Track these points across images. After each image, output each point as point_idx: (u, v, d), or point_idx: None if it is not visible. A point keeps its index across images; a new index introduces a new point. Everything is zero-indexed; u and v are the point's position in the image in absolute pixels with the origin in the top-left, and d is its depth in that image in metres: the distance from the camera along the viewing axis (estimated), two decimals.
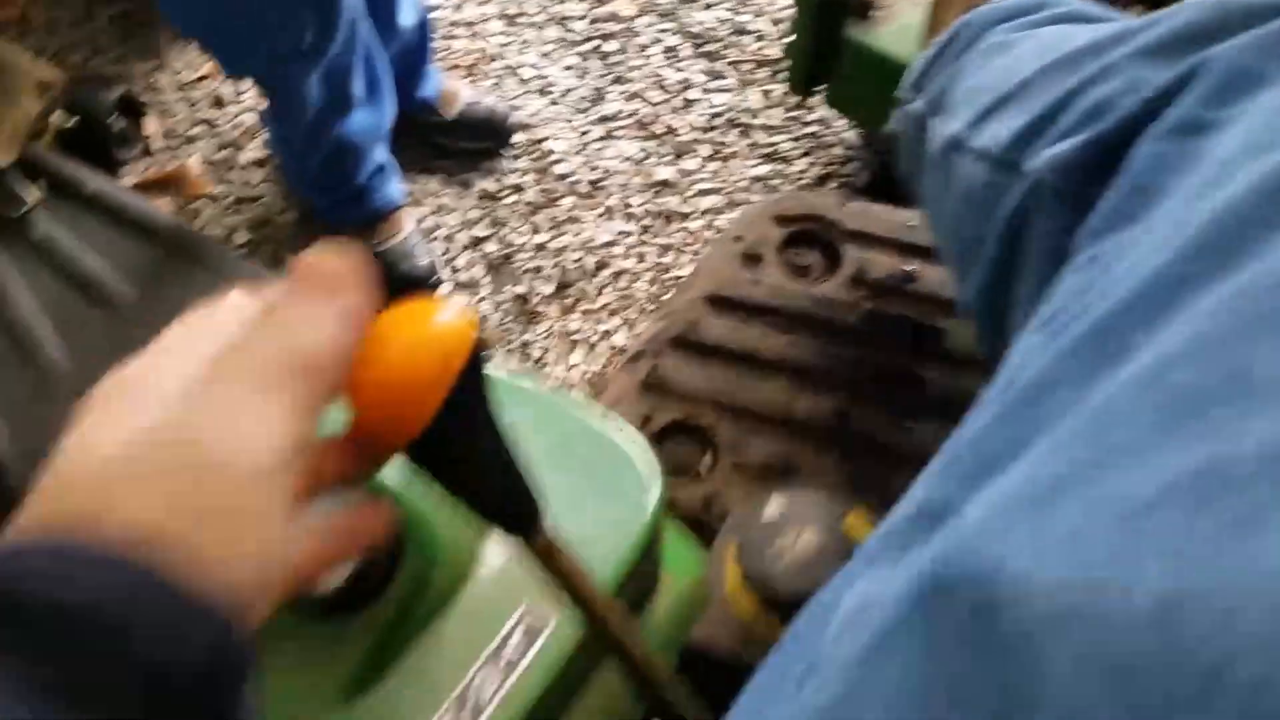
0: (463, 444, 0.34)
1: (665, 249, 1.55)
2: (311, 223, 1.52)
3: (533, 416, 0.60)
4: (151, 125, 1.57)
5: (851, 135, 1.64)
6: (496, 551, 0.54)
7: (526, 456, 0.38)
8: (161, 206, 1.40)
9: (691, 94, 1.70)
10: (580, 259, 1.53)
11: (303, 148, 1.34)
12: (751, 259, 0.99)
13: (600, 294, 1.51)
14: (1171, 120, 0.38)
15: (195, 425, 0.27)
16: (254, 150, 1.60)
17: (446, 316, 0.33)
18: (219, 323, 0.31)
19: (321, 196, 1.42)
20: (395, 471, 0.39)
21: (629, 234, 1.56)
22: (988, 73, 0.59)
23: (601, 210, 1.58)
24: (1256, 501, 0.22)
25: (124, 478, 0.26)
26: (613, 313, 1.50)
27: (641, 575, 0.60)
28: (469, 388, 0.33)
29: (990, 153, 0.52)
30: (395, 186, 1.45)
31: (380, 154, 1.40)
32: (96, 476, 0.26)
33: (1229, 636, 0.20)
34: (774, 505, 0.66)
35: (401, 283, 1.46)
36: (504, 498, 0.37)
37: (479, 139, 1.62)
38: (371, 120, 1.35)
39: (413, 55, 1.50)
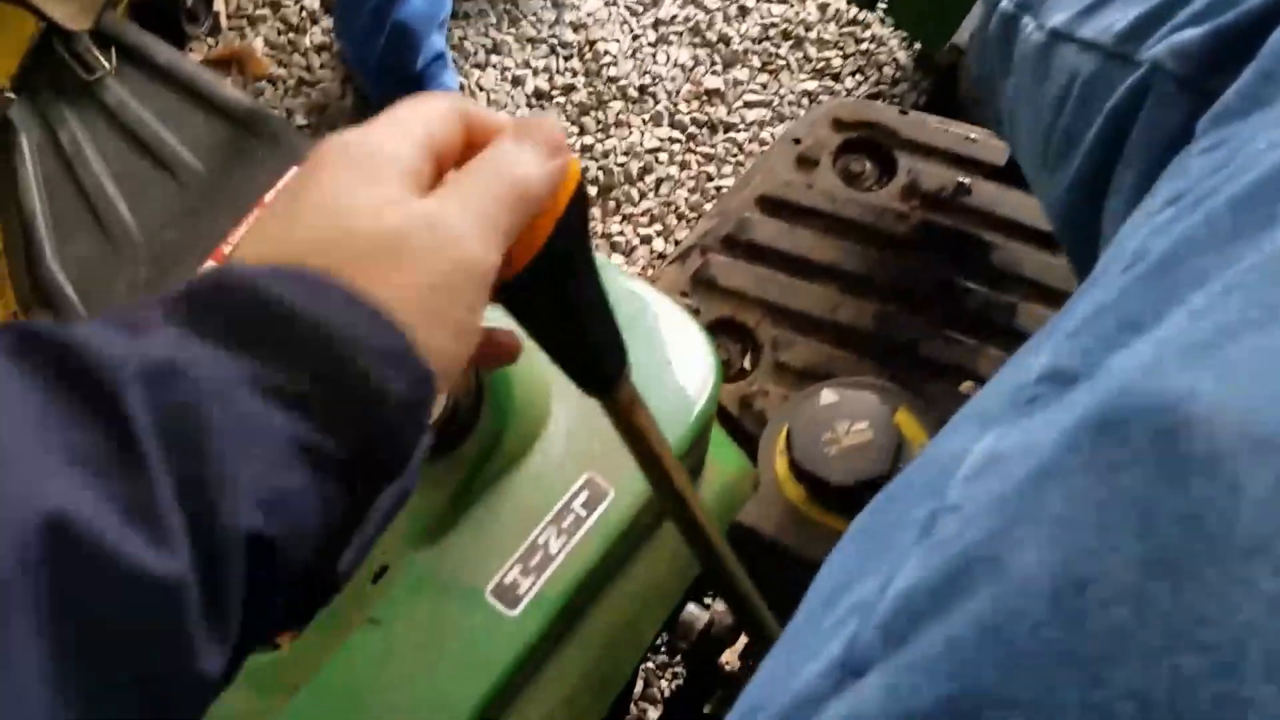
0: (561, 286, 0.35)
1: (709, 158, 1.53)
2: (369, 109, 1.51)
3: None
4: (220, 3, 1.55)
5: (903, 56, 1.61)
6: (563, 423, 0.55)
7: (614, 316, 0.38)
8: (228, 79, 1.39)
9: (748, 2, 1.67)
10: (625, 164, 1.51)
11: (365, 31, 1.33)
12: (807, 163, 0.98)
13: (642, 199, 1.50)
14: None
15: (442, 221, 0.30)
16: (317, 35, 1.58)
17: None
18: (441, 116, 0.33)
19: (380, 82, 1.41)
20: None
21: (675, 141, 1.54)
22: None
23: (649, 116, 1.56)
24: None
25: (376, 250, 0.29)
26: (653, 219, 1.49)
27: (692, 459, 0.60)
28: (572, 227, 0.34)
29: (1099, 43, 0.50)
30: (451, 76, 1.43)
31: (438, 42, 1.39)
32: (344, 237, 0.29)
33: None
34: (826, 396, 0.66)
35: None
36: (593, 350, 0.38)
37: None
38: (430, 5, 1.34)
39: None
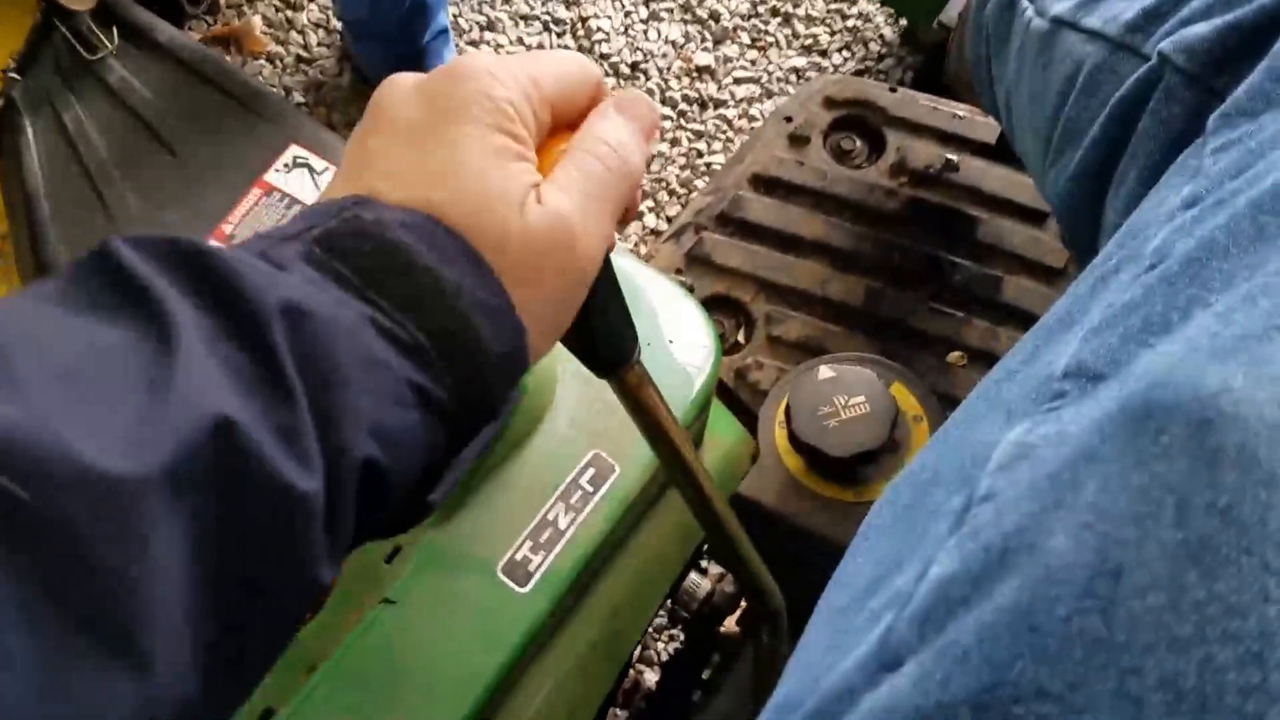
0: None
1: (699, 135, 1.52)
2: (366, 87, 1.49)
3: None
4: None
5: (890, 32, 1.60)
6: (568, 401, 0.55)
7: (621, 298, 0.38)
8: (226, 57, 1.37)
9: None
10: None
11: (374, 2, 1.31)
12: (798, 140, 0.97)
13: None
14: None
15: (582, 236, 0.31)
16: (314, 12, 1.56)
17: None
18: (576, 78, 0.34)
19: (383, 56, 1.39)
20: None
21: (666, 118, 1.53)
22: None
23: (641, 90, 1.55)
24: None
25: (513, 247, 0.30)
26: (645, 195, 1.48)
27: (693, 432, 0.60)
28: None
29: (1105, 33, 0.49)
30: (451, 52, 1.42)
31: (444, 18, 1.38)
32: (484, 213, 0.30)
33: None
34: (824, 372, 0.66)
35: None
36: (607, 336, 0.38)
37: None
38: None
39: None
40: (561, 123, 0.34)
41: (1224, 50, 0.40)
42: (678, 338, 0.59)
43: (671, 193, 1.47)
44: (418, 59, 1.38)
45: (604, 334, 0.38)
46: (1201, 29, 0.41)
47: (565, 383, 0.55)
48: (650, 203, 1.46)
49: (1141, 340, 0.28)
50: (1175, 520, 0.23)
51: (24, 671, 0.21)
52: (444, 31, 1.39)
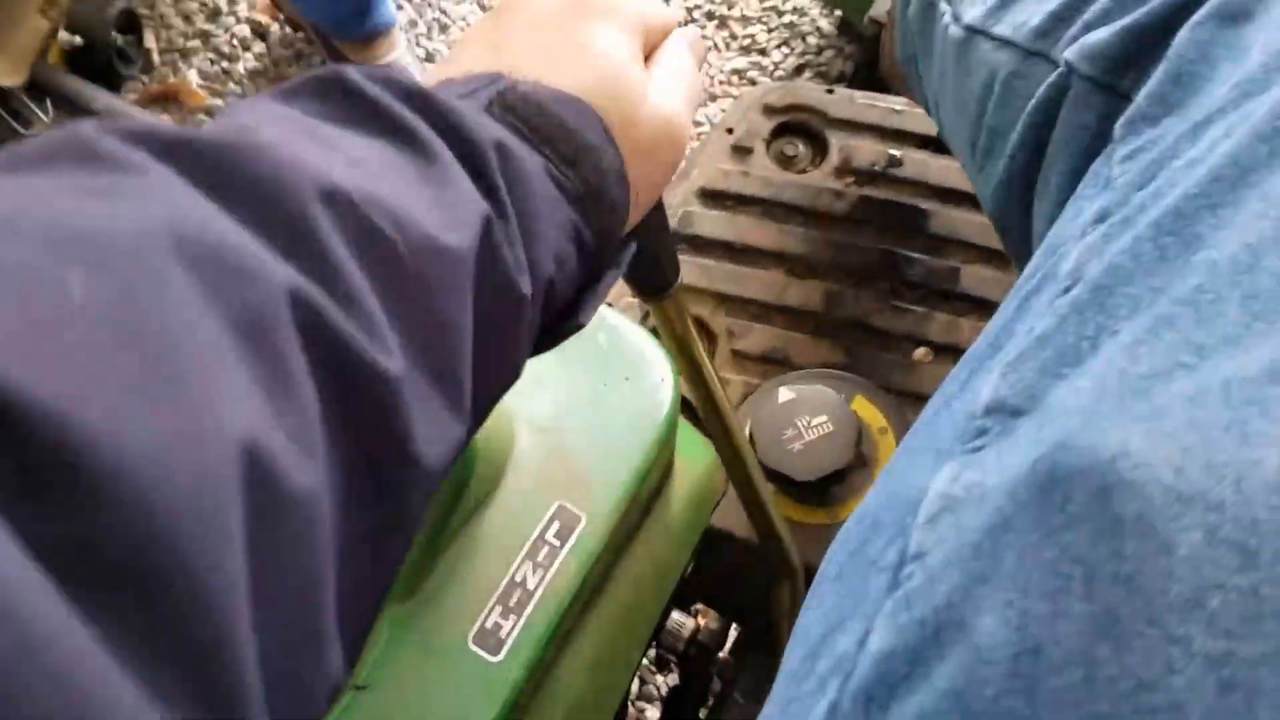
0: None
1: None
2: None
3: None
4: (151, 40, 1.51)
5: (826, 24, 1.59)
6: (528, 453, 0.54)
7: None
8: (164, 118, 1.35)
9: None
10: None
11: None
12: (741, 151, 0.96)
13: None
14: (1213, 6, 0.35)
15: (680, 130, 0.37)
16: (250, 61, 1.54)
17: None
18: (662, 7, 0.40)
19: (330, 11, 1.41)
20: None
21: None
22: None
23: None
24: None
25: (637, 136, 0.35)
26: None
27: (661, 465, 0.59)
28: None
29: (1014, 41, 0.49)
30: (391, 5, 1.46)
31: None
32: (614, 100, 0.35)
33: None
34: (784, 394, 0.65)
35: None
36: (664, 255, 0.46)
37: None
38: None
39: None
40: (649, 48, 0.40)
41: (1125, 54, 0.40)
42: (634, 374, 0.58)
43: None
44: (362, 14, 1.41)
45: (667, 254, 0.47)
46: (1102, 34, 0.41)
47: (522, 436, 0.54)
48: None
49: (1056, 373, 0.28)
50: (1084, 593, 0.22)
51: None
52: None
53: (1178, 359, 0.25)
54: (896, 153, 0.92)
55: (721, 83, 1.55)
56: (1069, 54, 0.42)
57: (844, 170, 0.94)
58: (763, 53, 1.59)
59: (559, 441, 0.56)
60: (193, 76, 1.51)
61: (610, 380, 0.57)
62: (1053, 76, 0.44)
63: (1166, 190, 0.29)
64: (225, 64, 1.53)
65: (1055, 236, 0.35)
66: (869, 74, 1.43)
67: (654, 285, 0.50)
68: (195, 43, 1.55)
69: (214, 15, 1.57)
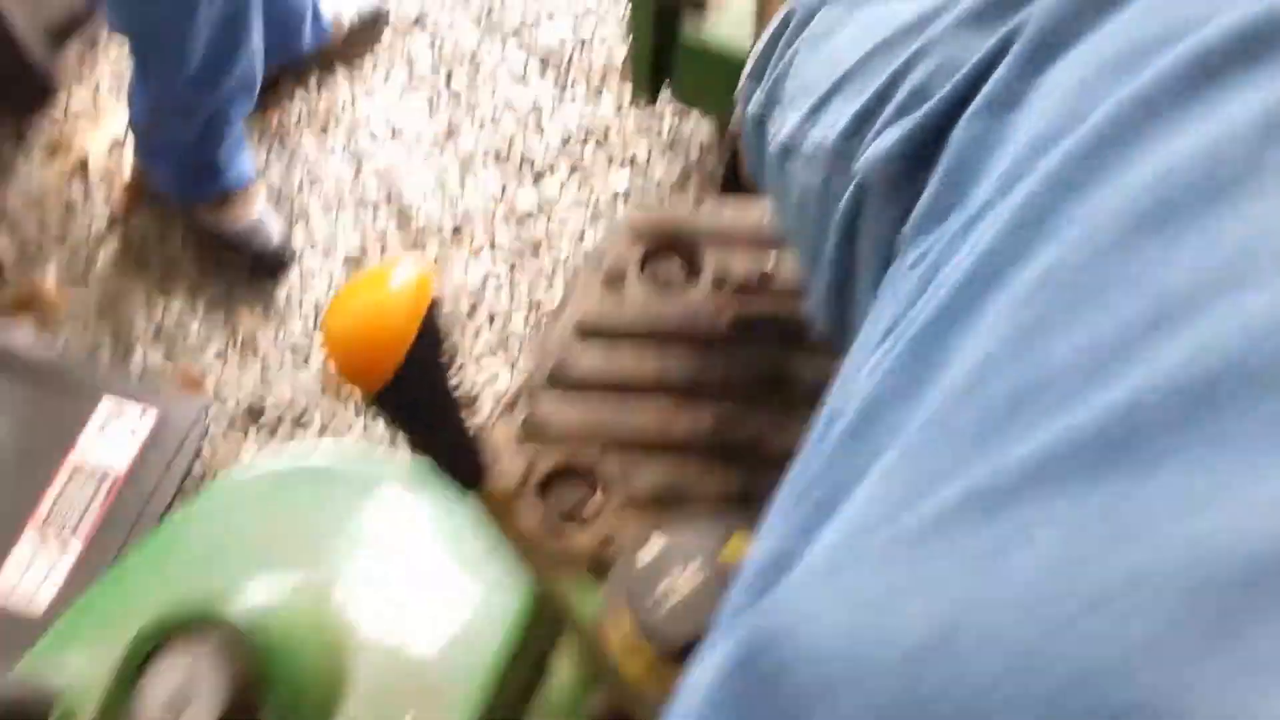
0: (424, 389, 0.41)
1: (537, 279, 1.48)
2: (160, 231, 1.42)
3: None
4: (3, 244, 1.45)
5: (705, 131, 1.59)
6: (366, 680, 0.48)
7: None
8: (24, 327, 1.29)
9: (544, 118, 1.63)
10: (450, 308, 1.45)
11: (179, 109, 1.28)
12: (614, 280, 0.92)
13: (479, 337, 1.43)
14: (985, 96, 0.33)
15: None
16: (111, 249, 1.49)
17: (404, 278, 0.39)
18: None
19: (178, 172, 1.37)
20: (251, 607, 0.43)
21: (497, 273, 1.48)
22: (814, 64, 0.52)
23: (469, 250, 1.50)
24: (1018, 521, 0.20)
25: None
26: (492, 350, 1.42)
27: (525, 664, 0.53)
28: (428, 338, 0.40)
29: (820, 154, 0.46)
30: (248, 161, 1.42)
31: (239, 127, 1.38)
32: None
33: (961, 689, 0.18)
34: (652, 546, 0.60)
35: (257, 260, 1.44)
36: (459, 446, 0.44)
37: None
38: (246, 85, 1.31)
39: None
40: None
41: (909, 157, 0.37)
42: (480, 573, 0.53)
43: (522, 344, 1.42)
44: (214, 174, 1.37)
45: (462, 436, 0.45)
46: (885, 141, 0.39)
47: (359, 660, 0.48)
48: (502, 356, 1.40)
49: (816, 522, 0.26)
50: None
51: None
52: (239, 141, 1.38)
53: (886, 511, 0.23)
54: (769, 265, 0.88)
55: (607, 203, 1.53)
56: (859, 163, 0.39)
57: (720, 284, 0.90)
58: (646, 166, 1.57)
59: (400, 662, 0.50)
60: (50, 281, 1.44)
61: (456, 581, 0.51)
62: (851, 187, 0.41)
63: (930, 300, 0.27)
64: (85, 259, 1.47)
65: (850, 364, 0.33)
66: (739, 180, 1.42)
67: (471, 469, 0.50)
68: (51, 244, 1.49)
69: (69, 210, 1.52)
